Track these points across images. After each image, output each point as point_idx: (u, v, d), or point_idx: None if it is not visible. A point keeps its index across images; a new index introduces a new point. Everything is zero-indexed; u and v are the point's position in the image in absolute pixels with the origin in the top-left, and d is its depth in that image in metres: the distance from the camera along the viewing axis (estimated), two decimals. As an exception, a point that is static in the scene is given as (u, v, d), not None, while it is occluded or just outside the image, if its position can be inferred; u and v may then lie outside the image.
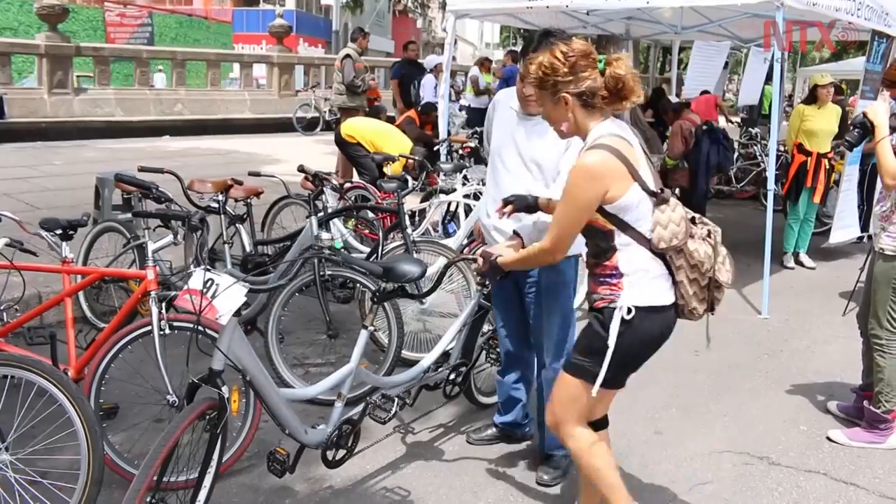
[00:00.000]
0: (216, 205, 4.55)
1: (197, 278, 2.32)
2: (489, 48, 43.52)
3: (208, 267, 2.36)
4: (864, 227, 7.83)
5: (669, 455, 3.56)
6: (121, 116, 13.85)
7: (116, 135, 13.11)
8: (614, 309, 2.39)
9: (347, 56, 9.31)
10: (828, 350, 5.10)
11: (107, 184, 5.91)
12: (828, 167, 7.12)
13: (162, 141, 13.36)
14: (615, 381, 2.53)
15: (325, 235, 3.99)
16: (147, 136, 13.46)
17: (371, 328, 2.85)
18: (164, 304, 3.08)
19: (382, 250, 4.55)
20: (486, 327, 3.62)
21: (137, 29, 25.36)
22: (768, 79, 13.80)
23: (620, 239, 2.38)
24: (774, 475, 3.41)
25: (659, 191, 2.37)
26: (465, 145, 7.44)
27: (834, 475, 3.43)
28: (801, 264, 7.37)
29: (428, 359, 3.28)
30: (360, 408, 2.95)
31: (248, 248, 5.10)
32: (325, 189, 4.63)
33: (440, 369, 3.42)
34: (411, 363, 4.32)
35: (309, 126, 16.19)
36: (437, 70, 11.34)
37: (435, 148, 7.83)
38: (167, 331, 3.08)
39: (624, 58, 2.35)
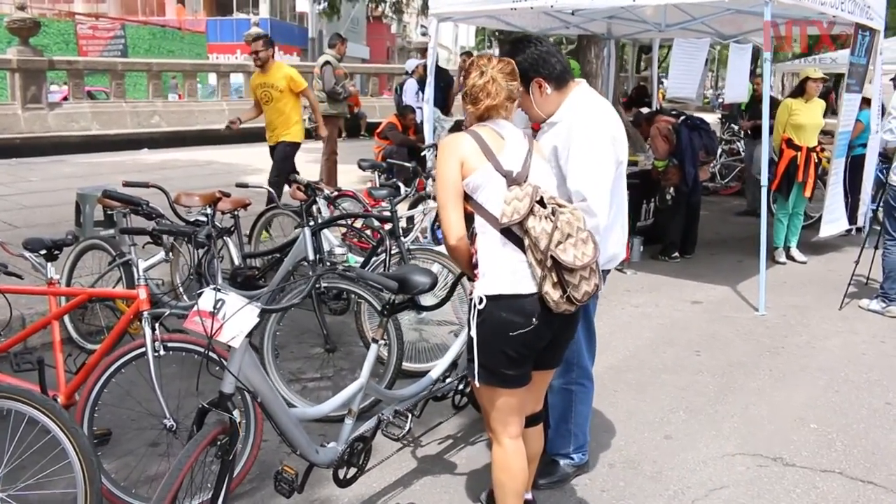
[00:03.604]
0: (204, 218, 4.42)
1: (207, 299, 2.20)
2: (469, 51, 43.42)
3: (218, 287, 2.23)
4: (851, 219, 7.86)
5: (682, 460, 3.48)
6: (97, 130, 13.61)
7: (94, 149, 12.88)
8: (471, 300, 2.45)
9: (327, 63, 9.20)
10: (828, 345, 5.06)
11: (88, 199, 5.75)
12: (816, 161, 7.12)
13: (140, 154, 13.14)
14: (500, 376, 2.47)
15: (338, 251, 3.86)
16: (125, 149, 13.24)
17: (381, 342, 2.73)
18: (157, 324, 2.96)
19: (388, 260, 4.42)
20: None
21: (110, 41, 25.02)
22: (750, 75, 13.93)
23: (478, 221, 2.44)
24: (790, 476, 3.34)
25: (514, 174, 2.42)
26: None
27: (850, 474, 3.37)
28: (793, 259, 7.36)
29: (437, 370, 3.18)
30: (371, 424, 2.84)
31: (236, 262, 4.96)
32: (317, 199, 4.51)
33: (448, 379, 3.32)
34: (410, 374, 4.23)
35: (289, 134, 16.03)
36: (416, 73, 11.26)
37: (422, 153, 7.73)
38: (162, 352, 2.95)
39: (481, 64, 2.52)
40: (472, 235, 2.50)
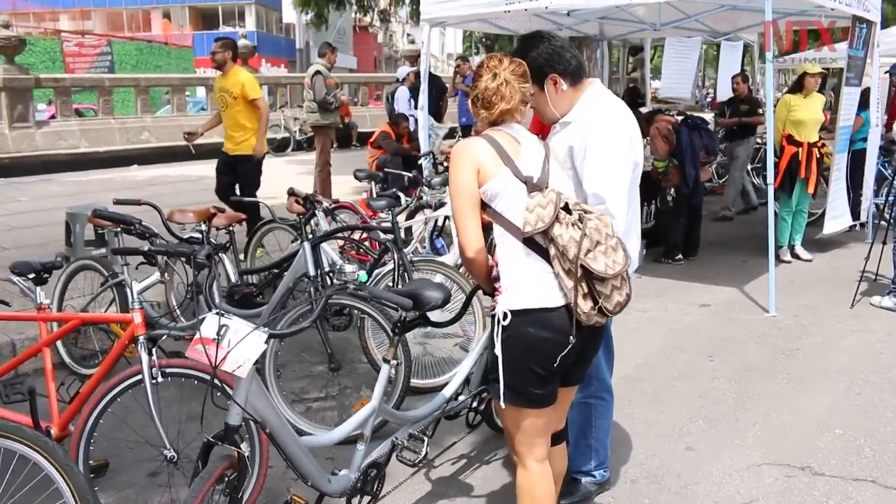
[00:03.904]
0: (198, 235, 4.27)
1: (209, 325, 2.05)
2: (453, 58, 43.34)
3: (221, 311, 2.08)
4: (854, 215, 7.76)
5: (707, 472, 3.33)
6: (86, 148, 13.42)
7: (82, 167, 12.71)
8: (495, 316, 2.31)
9: (318, 73, 9.06)
10: (844, 346, 4.94)
11: (78, 219, 5.58)
12: (818, 156, 7.01)
13: (130, 170, 12.97)
14: (527, 396, 2.33)
15: (348, 269, 3.69)
16: (114, 166, 13.07)
17: (394, 362, 2.58)
18: (154, 350, 2.80)
19: (396, 274, 4.27)
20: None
21: (97, 58, 24.85)
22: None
23: (497, 230, 2.31)
24: (821, 486, 3.20)
25: (534, 179, 2.29)
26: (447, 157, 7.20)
27: (883, 482, 3.23)
28: (798, 257, 7.24)
29: (450, 387, 3.03)
30: (384, 449, 2.69)
31: (233, 279, 4.81)
32: (316, 212, 4.36)
33: (461, 397, 3.17)
34: (417, 391, 4.08)
35: (279, 147, 15.89)
36: (408, 80, 11.13)
37: (419, 161, 7.58)
38: (160, 378, 2.80)
39: (492, 66, 2.39)
40: (490, 246, 2.35)
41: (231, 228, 5.01)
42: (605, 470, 3.14)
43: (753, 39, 12.49)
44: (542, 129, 3.19)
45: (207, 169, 13.22)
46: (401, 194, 5.40)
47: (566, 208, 2.27)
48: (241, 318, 2.07)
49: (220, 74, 6.74)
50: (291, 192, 4.33)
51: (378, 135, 9.73)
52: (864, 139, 7.78)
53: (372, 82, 20.99)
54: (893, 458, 3.44)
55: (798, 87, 6.98)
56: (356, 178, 6.42)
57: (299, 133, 16.41)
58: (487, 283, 2.42)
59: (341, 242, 5.72)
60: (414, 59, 12.39)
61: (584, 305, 2.23)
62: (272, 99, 19.44)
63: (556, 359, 2.27)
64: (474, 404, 3.24)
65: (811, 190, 7.09)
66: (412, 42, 20.74)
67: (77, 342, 4.55)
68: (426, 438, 2.75)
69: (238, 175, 6.82)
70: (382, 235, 4.59)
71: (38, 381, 3.08)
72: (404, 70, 10.92)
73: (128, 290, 4.32)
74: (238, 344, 2.01)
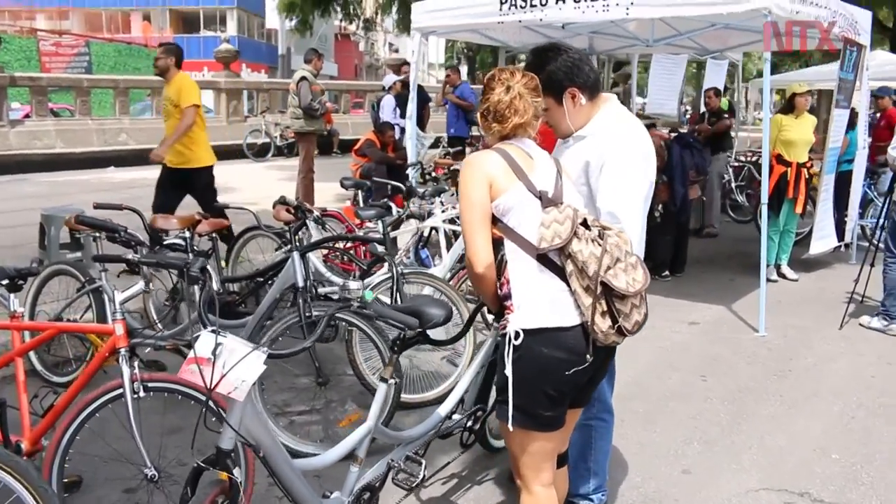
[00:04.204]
0: (182, 242, 4.11)
1: (205, 343, 1.91)
2: (435, 68, 43.36)
3: (217, 329, 1.94)
4: (839, 236, 7.77)
5: (705, 498, 3.25)
6: (62, 148, 13.15)
7: (58, 167, 12.43)
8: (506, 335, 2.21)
9: (303, 78, 8.92)
10: (835, 368, 4.89)
11: (53, 221, 5.38)
12: (807, 177, 7.02)
13: (107, 172, 12.71)
14: (538, 419, 2.24)
15: (352, 285, 3.54)
16: (91, 167, 12.81)
17: (392, 381, 2.46)
18: (136, 363, 2.65)
19: (395, 287, 4.14)
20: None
21: (74, 58, 24.44)
22: (724, 90, 13.97)
23: (508, 246, 2.22)
24: (821, 514, 3.13)
25: (549, 194, 2.20)
26: (437, 166, 7.11)
27: (884, 511, 3.17)
28: (784, 276, 7.23)
29: (445, 406, 2.91)
30: (379, 471, 2.56)
31: (215, 287, 4.65)
32: (307, 221, 4.22)
33: (454, 416, 3.05)
34: (404, 406, 3.95)
35: (260, 152, 15.72)
36: (394, 89, 11.03)
37: (405, 170, 7.47)
38: (142, 393, 2.65)
39: (504, 79, 2.30)
40: (500, 263, 2.25)
41: (214, 235, 4.87)
42: (604, 494, 3.04)
43: (739, 58, 12.61)
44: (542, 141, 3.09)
45: (186, 173, 13.07)
46: (392, 204, 5.27)
47: (584, 224, 2.19)
48: (237, 338, 1.93)
49: (165, 82, 6.32)
50: (283, 201, 4.19)
51: (363, 143, 9.60)
52: (849, 161, 7.81)
53: (355, 90, 20.85)
54: (890, 487, 3.38)
55: (789, 107, 6.98)
56: (343, 186, 6.30)
57: (280, 139, 16.23)
58: (494, 301, 2.32)
59: (325, 252, 5.60)
60: (397, 67, 12.28)
61: (602, 324, 2.14)
62: (251, 104, 19.25)
63: (569, 380, 2.18)
64: (468, 423, 3.12)
65: (799, 210, 7.09)
66: (395, 51, 20.65)
67: (50, 349, 4.37)
68: (423, 461, 2.62)
69: (195, 190, 6.38)
70: (380, 248, 4.45)
71: (9, 389, 2.91)
72: (391, 78, 10.82)
73: (105, 298, 4.21)
74: (236, 365, 1.87)
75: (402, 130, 10.42)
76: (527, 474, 2.32)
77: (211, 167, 6.50)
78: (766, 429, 3.95)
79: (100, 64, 25.20)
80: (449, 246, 5.64)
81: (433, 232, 6.29)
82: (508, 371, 2.19)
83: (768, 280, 7.01)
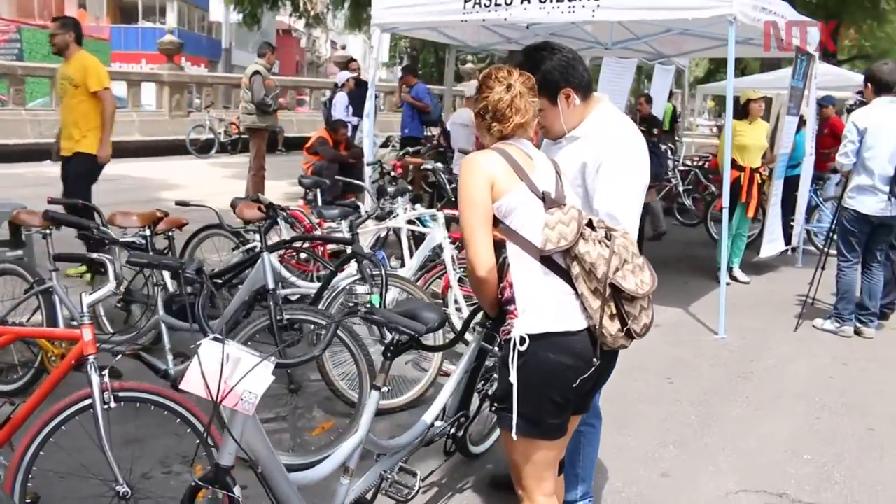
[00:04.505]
0: (142, 240, 3.90)
1: (209, 353, 1.77)
2: (378, 66, 42.90)
3: (219, 336, 1.81)
4: (787, 239, 7.99)
5: (686, 501, 3.25)
6: (-7, 140, 12.52)
7: (-11, 160, 11.82)
8: (510, 341, 2.13)
9: (257, 73, 8.69)
10: (795, 370, 5.00)
11: (-4, 216, 5.07)
12: (760, 182, 7.17)
13: (43, 166, 12.12)
14: (543, 427, 2.18)
15: (360, 289, 3.38)
16: (25, 160, 12.20)
17: (385, 389, 2.35)
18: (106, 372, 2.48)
19: (384, 292, 4.01)
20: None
21: (4, 45, 23.34)
22: (669, 96, 14.25)
23: (510, 249, 2.16)
24: (800, 516, 3.17)
25: (552, 195, 2.16)
26: (396, 166, 7.00)
27: (859, 511, 3.23)
28: (736, 279, 7.37)
29: (430, 414, 2.82)
30: (370, 482, 2.44)
31: (170, 288, 4.44)
32: (278, 220, 4.07)
33: (437, 423, 2.97)
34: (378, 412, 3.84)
35: (203, 148, 15.30)
36: (347, 86, 10.87)
37: (358, 168, 7.34)
38: (112, 404, 2.47)
39: (502, 77, 2.23)
40: (501, 266, 2.18)
41: (170, 233, 4.65)
42: (591, 500, 3.00)
43: (685, 64, 12.87)
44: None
45: (126, 168, 12.63)
46: (360, 204, 5.14)
47: (590, 225, 2.14)
48: (242, 346, 1.80)
49: (63, 60, 5.77)
50: (256, 199, 4.00)
51: (315, 140, 9.41)
52: (794, 166, 8.03)
53: (301, 87, 20.49)
54: (862, 485, 3.45)
55: (744, 113, 7.12)
56: (301, 184, 6.14)
57: (224, 135, 15.83)
58: (494, 306, 2.24)
59: (282, 252, 5.42)
60: (344, 65, 12.10)
61: (611, 327, 2.09)
62: (196, 98, 18.72)
63: (576, 386, 2.13)
64: (451, 430, 3.04)
65: (751, 214, 7.24)
66: (343, 48, 20.36)
67: (-7, 354, 4.10)
68: (418, 472, 2.53)
69: (68, 173, 5.78)
70: (369, 251, 4.31)
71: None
72: (344, 76, 10.65)
73: (56, 299, 3.98)
74: (245, 377, 1.74)
75: (355, 128, 10.30)
76: (529, 484, 2.26)
77: (94, 158, 5.82)
78: (736, 430, 3.99)
79: (32, 51, 24.08)
80: (411, 247, 5.55)
81: (390, 233, 6.19)
82: (513, 378, 2.11)
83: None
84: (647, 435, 3.89)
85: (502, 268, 2.18)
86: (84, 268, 5.44)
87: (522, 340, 2.09)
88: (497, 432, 3.64)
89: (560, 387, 2.14)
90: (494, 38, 8.73)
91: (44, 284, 3.95)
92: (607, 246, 2.11)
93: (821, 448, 3.81)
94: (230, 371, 1.76)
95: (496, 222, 2.17)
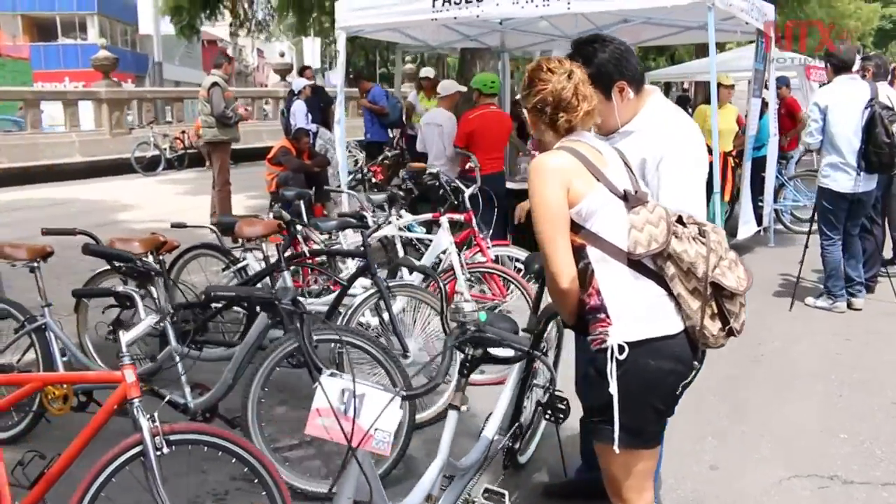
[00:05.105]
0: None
1: (331, 391, 1.59)
2: (316, 72, 42.33)
3: (335, 372, 1.63)
4: (758, 220, 8.12)
5: (742, 492, 3.21)
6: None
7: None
8: (606, 350, 2.02)
9: (215, 84, 8.35)
10: (801, 349, 5.04)
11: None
12: (733, 165, 7.27)
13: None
14: (645, 436, 2.13)
15: (467, 307, 3.16)
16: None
17: (464, 408, 2.21)
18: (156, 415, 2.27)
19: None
20: (540, 379, 3.09)
21: None
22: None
23: (593, 254, 2.05)
24: (858, 495, 3.16)
25: (633, 192, 2.05)
26: (376, 173, 6.83)
27: (911, 486, 3.24)
28: (716, 263, 7.44)
29: (490, 429, 2.67)
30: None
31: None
32: (298, 236, 3.86)
33: (495, 437, 2.83)
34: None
35: (149, 166, 14.74)
36: (304, 94, 10.60)
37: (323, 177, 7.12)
38: (164, 449, 2.27)
39: (555, 67, 2.11)
40: (583, 272, 2.06)
41: (161, 256, 4.39)
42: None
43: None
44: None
45: (72, 191, 12.07)
46: (366, 214, 4.96)
47: (681, 221, 2.04)
48: (366, 381, 1.63)
49: None
50: (278, 216, 3.77)
51: (277, 151, 9.09)
52: (758, 148, 8.17)
53: (249, 97, 19.83)
54: (906, 458, 3.47)
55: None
56: (283, 197, 5.89)
57: (170, 151, 15.31)
58: (574, 314, 2.12)
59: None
60: (285, 73, 11.83)
61: (713, 327, 2.01)
62: (128, 114, 18.01)
63: (677, 391, 2.04)
64: (510, 443, 2.92)
65: (727, 197, 7.32)
66: (281, 55, 19.90)
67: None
68: (506, 492, 2.39)
69: None
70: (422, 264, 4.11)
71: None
72: (300, 83, 10.37)
73: (51, 336, 3.69)
74: (380, 416, 1.57)
75: (314, 135, 10.04)
76: (631, 497, 2.16)
77: None
78: (766, 416, 3.98)
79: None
80: (405, 254, 5.41)
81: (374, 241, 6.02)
82: (613, 389, 2.00)
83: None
84: (683, 428, 3.80)
85: (585, 275, 2.07)
86: None
87: (621, 349, 1.99)
88: (537, 438, 3.55)
89: (662, 393, 2.07)
90: (453, 36, 8.62)
91: (36, 322, 3.67)
92: (703, 243, 2.02)
93: (853, 426, 3.83)
94: (361, 410, 1.59)
95: (575, 228, 2.06)
